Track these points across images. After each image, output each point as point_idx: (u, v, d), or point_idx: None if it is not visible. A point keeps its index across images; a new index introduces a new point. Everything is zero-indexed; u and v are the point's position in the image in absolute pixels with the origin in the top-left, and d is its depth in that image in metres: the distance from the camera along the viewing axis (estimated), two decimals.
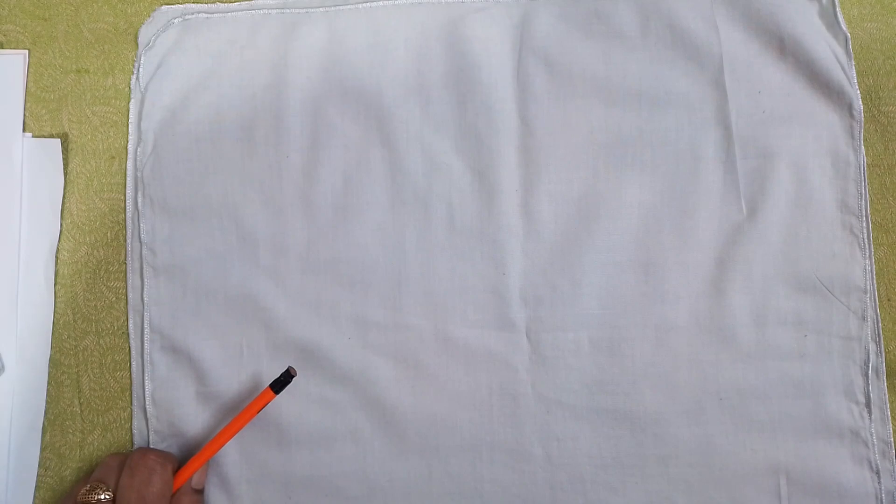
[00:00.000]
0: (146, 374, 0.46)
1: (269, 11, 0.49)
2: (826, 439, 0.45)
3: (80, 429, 0.46)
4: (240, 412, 0.43)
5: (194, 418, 0.45)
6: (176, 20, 0.48)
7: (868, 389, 0.45)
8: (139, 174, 0.47)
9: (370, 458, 0.45)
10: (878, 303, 0.46)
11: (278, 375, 0.43)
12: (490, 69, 0.47)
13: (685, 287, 0.46)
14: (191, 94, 0.48)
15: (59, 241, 0.47)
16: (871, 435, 0.45)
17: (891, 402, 0.45)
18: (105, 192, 0.48)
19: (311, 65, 0.48)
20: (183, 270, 0.46)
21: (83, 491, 0.40)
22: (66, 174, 0.48)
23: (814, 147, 0.47)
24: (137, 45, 0.49)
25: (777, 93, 0.47)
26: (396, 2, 0.48)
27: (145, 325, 0.46)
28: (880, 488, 0.45)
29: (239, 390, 0.45)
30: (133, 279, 0.47)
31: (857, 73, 0.48)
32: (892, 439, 0.45)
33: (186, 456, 0.45)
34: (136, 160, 0.48)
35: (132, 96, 0.48)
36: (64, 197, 0.48)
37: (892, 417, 0.45)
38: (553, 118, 0.47)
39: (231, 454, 0.45)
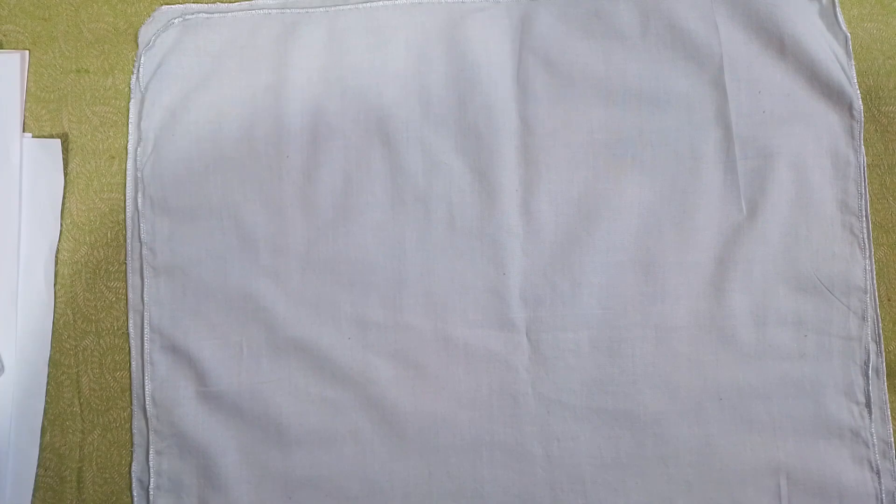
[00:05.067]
0: (146, 374, 0.46)
1: (269, 11, 0.49)
2: (826, 439, 0.45)
3: (80, 429, 0.46)
4: None
5: (194, 418, 0.45)
6: (176, 20, 0.48)
7: (868, 389, 0.45)
8: (139, 174, 0.47)
9: (370, 458, 0.45)
10: (878, 303, 0.46)
11: None
12: (490, 69, 0.47)
13: (685, 287, 0.46)
14: (191, 94, 0.48)
15: (59, 241, 0.47)
16: (872, 435, 0.45)
17: (891, 402, 0.45)
18: (105, 192, 0.48)
19: (311, 65, 0.48)
20: (183, 270, 0.46)
21: None
22: (66, 174, 0.48)
23: (814, 147, 0.47)
24: (137, 45, 0.49)
25: (777, 93, 0.47)
26: (396, 2, 0.48)
27: (145, 325, 0.46)
28: (880, 488, 0.45)
29: (239, 390, 0.45)
30: (133, 279, 0.47)
31: (857, 73, 0.48)
32: (893, 439, 0.45)
33: (187, 456, 0.45)
34: (136, 160, 0.48)
35: (132, 96, 0.48)
36: (64, 197, 0.48)
37: (892, 417, 0.45)
38: (553, 118, 0.47)
39: (231, 454, 0.45)
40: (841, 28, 0.48)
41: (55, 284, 0.47)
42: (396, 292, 0.46)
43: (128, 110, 0.48)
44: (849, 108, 0.47)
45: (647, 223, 0.47)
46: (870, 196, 0.47)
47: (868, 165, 0.47)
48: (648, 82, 0.47)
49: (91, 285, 0.47)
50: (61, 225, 0.47)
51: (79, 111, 0.49)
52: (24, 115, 0.48)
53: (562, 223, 0.47)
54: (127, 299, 0.47)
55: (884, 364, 0.46)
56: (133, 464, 0.46)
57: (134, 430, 0.46)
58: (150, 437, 0.45)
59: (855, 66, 0.48)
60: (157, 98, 0.48)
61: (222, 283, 0.46)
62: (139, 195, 0.47)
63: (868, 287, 0.46)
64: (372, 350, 0.46)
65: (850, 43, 0.48)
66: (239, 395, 0.45)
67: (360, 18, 0.48)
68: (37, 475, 0.45)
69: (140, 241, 0.47)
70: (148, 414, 0.45)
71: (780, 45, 0.47)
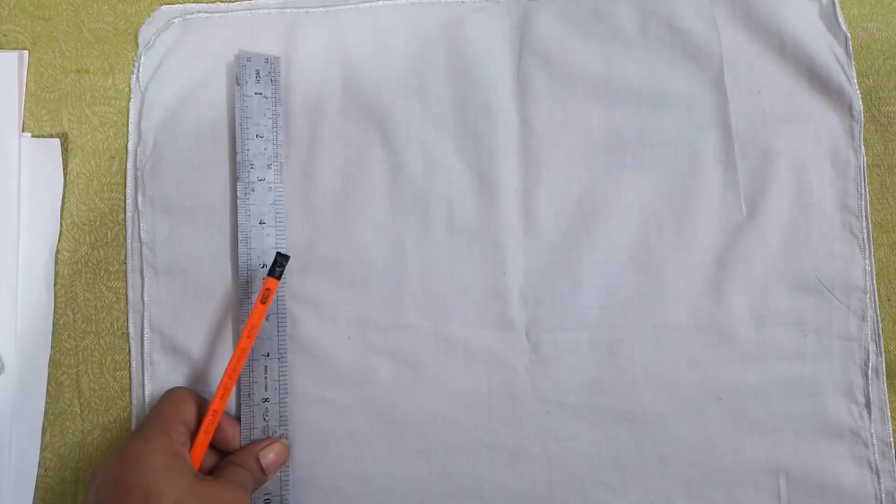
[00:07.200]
0: (146, 374, 0.46)
1: (270, 11, 0.49)
2: (826, 439, 0.45)
3: (80, 429, 0.46)
4: (249, 315, 0.42)
5: None
6: (176, 20, 0.48)
7: (868, 390, 0.45)
8: (139, 174, 0.47)
9: (370, 458, 0.45)
10: (878, 303, 0.46)
11: (273, 263, 0.43)
12: (490, 69, 0.47)
13: (685, 287, 0.46)
14: (191, 94, 0.48)
15: (59, 241, 0.47)
16: (871, 435, 0.45)
17: (891, 402, 0.45)
18: (105, 192, 0.48)
19: (311, 65, 0.48)
20: (183, 270, 0.46)
21: None
22: (66, 174, 0.48)
23: (814, 147, 0.47)
24: (137, 45, 0.49)
25: (777, 93, 0.47)
26: (396, 2, 0.48)
27: (145, 325, 0.46)
28: (880, 488, 0.45)
29: (238, 390, 0.45)
30: (133, 279, 0.47)
31: (857, 73, 0.48)
32: (892, 439, 0.45)
33: None
34: (136, 160, 0.48)
35: (132, 96, 0.48)
36: (64, 197, 0.48)
37: (892, 417, 0.45)
38: (553, 118, 0.47)
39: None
40: (841, 28, 0.48)
41: (55, 284, 0.47)
42: (396, 292, 0.46)
43: (128, 110, 0.48)
44: (849, 108, 0.47)
45: (647, 223, 0.47)
46: (870, 196, 0.47)
47: (868, 165, 0.47)
48: (648, 82, 0.47)
49: (91, 285, 0.47)
50: (61, 225, 0.47)
51: (79, 111, 0.49)
52: (24, 115, 0.48)
53: (562, 223, 0.47)
54: (127, 299, 0.47)
55: (883, 364, 0.46)
56: None
57: None
58: None
59: (855, 66, 0.47)
60: (157, 98, 0.48)
61: (222, 283, 0.46)
62: (139, 195, 0.47)
63: (868, 287, 0.46)
64: (371, 350, 0.46)
65: (850, 43, 0.47)
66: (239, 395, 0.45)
67: (360, 18, 0.48)
68: (37, 475, 0.45)
69: (140, 241, 0.47)
70: None
71: (780, 45, 0.47)
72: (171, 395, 0.44)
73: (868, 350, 0.46)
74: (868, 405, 0.45)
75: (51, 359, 0.47)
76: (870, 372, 0.45)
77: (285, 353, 0.45)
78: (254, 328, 0.42)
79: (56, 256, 0.47)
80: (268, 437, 0.44)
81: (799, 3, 0.48)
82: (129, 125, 0.48)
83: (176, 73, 0.48)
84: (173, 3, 0.49)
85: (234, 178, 0.46)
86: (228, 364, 0.42)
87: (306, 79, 0.48)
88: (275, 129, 0.46)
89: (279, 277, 0.43)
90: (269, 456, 0.42)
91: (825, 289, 0.46)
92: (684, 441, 0.45)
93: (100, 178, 0.48)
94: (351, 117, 0.47)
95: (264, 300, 0.43)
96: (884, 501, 0.44)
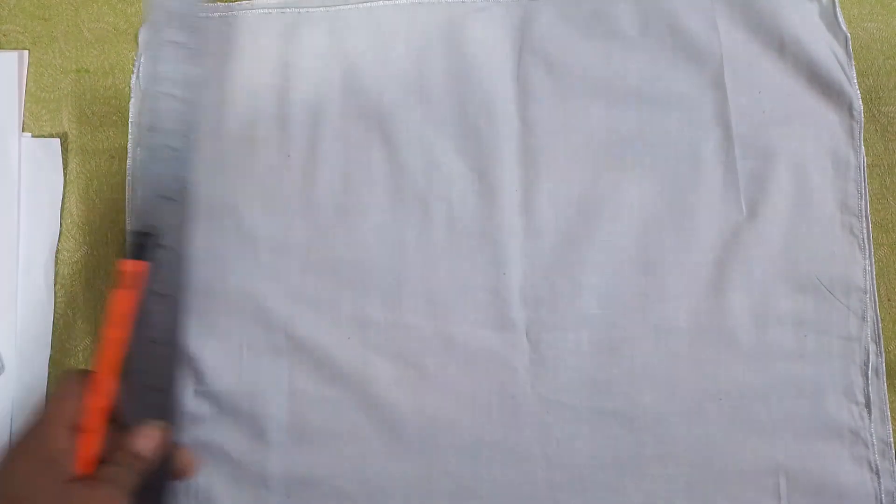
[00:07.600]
0: None
1: (270, 11, 0.49)
2: (826, 439, 0.45)
3: None
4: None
5: (192, 417, 0.45)
6: None
7: (868, 389, 0.45)
8: (139, 174, 0.47)
9: (370, 457, 0.45)
10: (878, 303, 0.46)
11: (128, 243, 0.37)
12: (490, 69, 0.47)
13: (685, 287, 0.46)
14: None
15: (59, 241, 0.47)
16: (871, 435, 0.45)
17: (891, 402, 0.45)
18: (105, 192, 0.48)
19: (311, 64, 0.48)
20: None
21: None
22: (65, 174, 0.48)
23: (814, 147, 0.47)
24: (137, 45, 0.49)
25: (777, 93, 0.47)
26: (397, 2, 0.48)
27: None
28: (880, 488, 0.45)
29: (237, 390, 0.45)
30: None
31: (857, 73, 0.48)
32: (892, 439, 0.45)
33: None
34: (135, 160, 0.48)
35: (132, 96, 0.48)
36: (64, 197, 0.48)
37: (892, 417, 0.45)
38: (553, 118, 0.47)
39: (229, 453, 0.45)
40: (841, 28, 0.48)
41: (55, 284, 0.47)
42: (396, 292, 0.46)
43: (128, 110, 0.48)
44: (849, 108, 0.47)
45: (647, 223, 0.47)
46: (870, 196, 0.47)
47: (868, 165, 0.47)
48: (648, 82, 0.47)
49: (91, 285, 0.47)
50: (61, 225, 0.47)
51: (79, 111, 0.49)
52: (24, 115, 0.48)
53: (562, 223, 0.47)
54: None
55: (883, 364, 0.45)
56: None
57: None
58: None
59: (855, 66, 0.47)
60: None
61: (222, 283, 0.46)
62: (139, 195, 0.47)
63: (868, 287, 0.46)
64: (372, 350, 0.46)
65: (850, 43, 0.47)
66: (238, 395, 0.45)
67: (360, 18, 0.48)
68: None
69: None
70: None
71: (780, 45, 0.47)
72: (55, 395, 0.38)
73: (868, 350, 0.46)
74: (868, 405, 0.45)
75: (51, 359, 0.47)
76: (870, 372, 0.45)
77: (177, 340, 0.40)
78: (121, 317, 0.37)
79: (56, 256, 0.47)
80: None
81: (799, 3, 0.48)
82: (129, 125, 0.48)
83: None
84: None
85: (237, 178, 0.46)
86: (101, 359, 0.37)
87: (306, 79, 0.48)
88: (192, 88, 0.41)
89: (137, 258, 0.38)
90: (139, 442, 0.37)
91: (825, 289, 0.46)
92: (684, 441, 0.45)
93: (100, 178, 0.48)
94: (351, 117, 0.47)
95: (121, 285, 0.37)
96: (884, 501, 0.44)
